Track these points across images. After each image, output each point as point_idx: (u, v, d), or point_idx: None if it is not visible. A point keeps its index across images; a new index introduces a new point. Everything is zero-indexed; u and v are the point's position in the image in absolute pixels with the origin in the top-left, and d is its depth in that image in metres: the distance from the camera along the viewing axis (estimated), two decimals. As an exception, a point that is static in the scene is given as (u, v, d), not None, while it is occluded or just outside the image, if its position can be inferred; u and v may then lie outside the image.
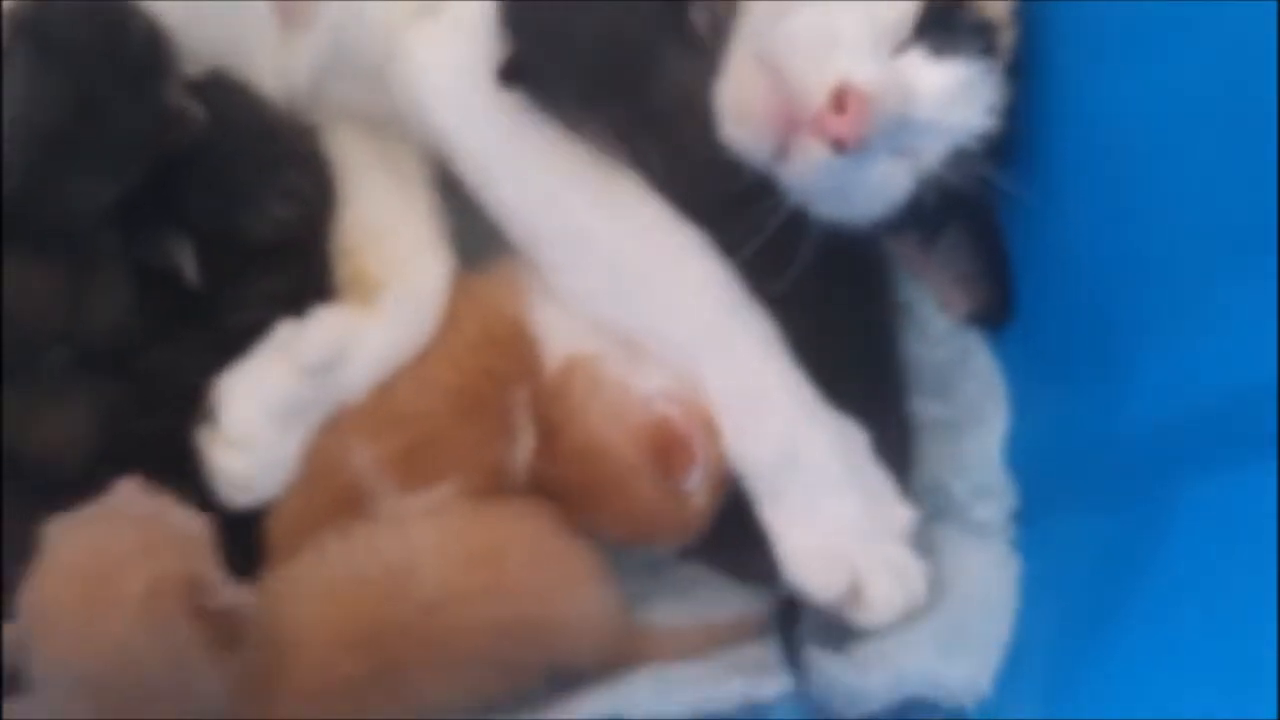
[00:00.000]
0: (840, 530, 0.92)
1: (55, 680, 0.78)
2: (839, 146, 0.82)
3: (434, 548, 0.89)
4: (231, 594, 0.81)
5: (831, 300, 0.95)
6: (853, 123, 0.81)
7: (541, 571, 0.91)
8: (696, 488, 0.92)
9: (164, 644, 0.78)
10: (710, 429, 0.93)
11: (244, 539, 0.91)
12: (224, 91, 0.94)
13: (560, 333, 0.95)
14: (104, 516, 0.82)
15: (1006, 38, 0.91)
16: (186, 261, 0.92)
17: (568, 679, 0.92)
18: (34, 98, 0.86)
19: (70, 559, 0.80)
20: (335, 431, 0.93)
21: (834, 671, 0.91)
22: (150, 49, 0.89)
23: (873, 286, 1.00)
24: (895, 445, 0.97)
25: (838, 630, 0.94)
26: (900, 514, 0.95)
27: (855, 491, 0.94)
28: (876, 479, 0.95)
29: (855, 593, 0.92)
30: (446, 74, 0.92)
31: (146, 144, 0.88)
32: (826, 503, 0.93)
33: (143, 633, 0.77)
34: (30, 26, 0.87)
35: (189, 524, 0.83)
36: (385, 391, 0.94)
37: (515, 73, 0.90)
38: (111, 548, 0.79)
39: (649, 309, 0.94)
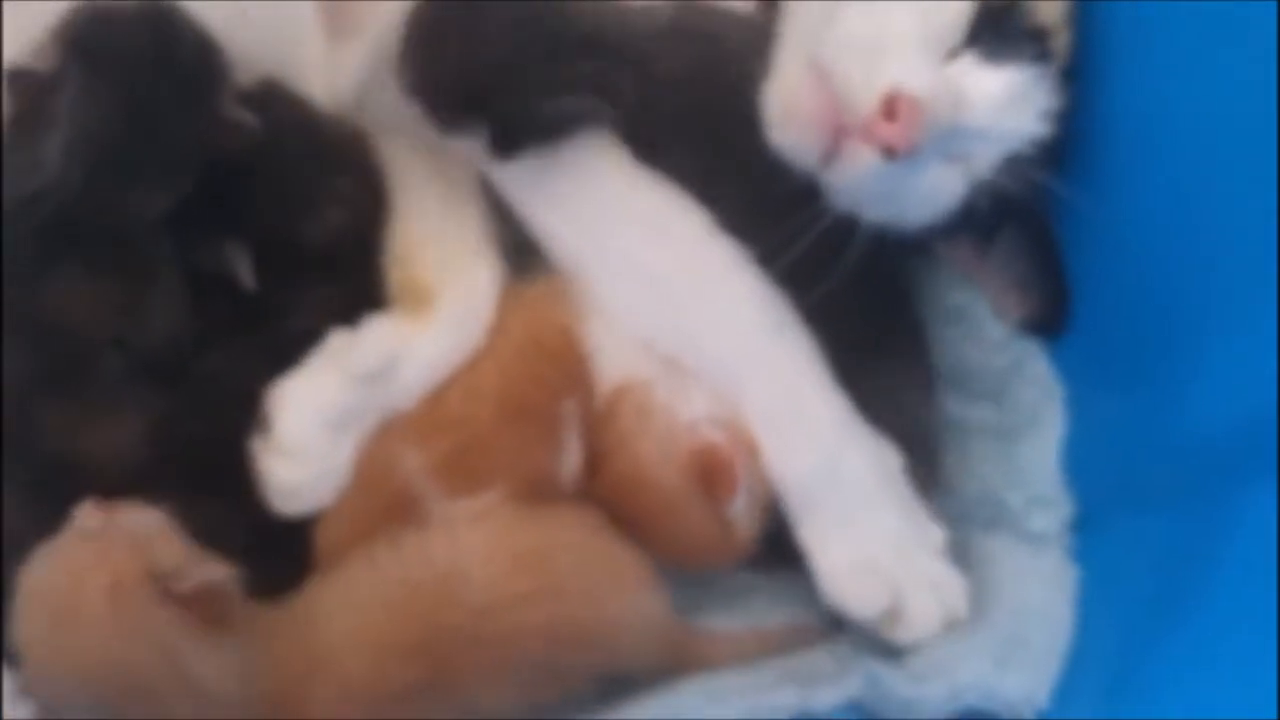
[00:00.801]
0: (879, 547, 0.94)
1: (73, 708, 0.83)
2: (889, 154, 0.84)
3: (482, 552, 0.91)
4: (200, 571, 0.84)
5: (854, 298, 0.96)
6: (903, 130, 0.82)
7: (590, 574, 0.93)
8: (742, 512, 0.94)
9: (144, 638, 0.81)
10: (753, 451, 0.95)
11: (294, 546, 0.93)
12: (276, 100, 0.97)
13: (611, 354, 0.97)
14: (60, 543, 0.85)
15: (1061, 41, 0.92)
16: (243, 267, 0.94)
17: (619, 686, 0.94)
18: (88, 110, 0.89)
19: (34, 590, 0.83)
20: (385, 438, 0.95)
21: (889, 682, 0.92)
22: (202, 59, 0.92)
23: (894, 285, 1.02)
24: (922, 437, 1.00)
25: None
26: (933, 533, 0.96)
27: (893, 508, 0.96)
28: (909, 499, 0.97)
29: (896, 610, 0.94)
30: None
31: (200, 153, 0.91)
32: (865, 520, 0.95)
33: (118, 635, 0.80)
34: (82, 40, 0.90)
35: (141, 520, 0.86)
36: (433, 397, 0.96)
37: (506, 138, 0.92)
38: (68, 567, 0.83)
39: (689, 326, 0.96)
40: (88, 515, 0.86)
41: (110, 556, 0.82)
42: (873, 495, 0.95)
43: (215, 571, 0.84)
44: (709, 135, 0.96)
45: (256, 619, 0.88)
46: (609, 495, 0.96)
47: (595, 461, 0.97)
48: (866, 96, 0.84)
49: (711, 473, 0.93)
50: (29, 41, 0.92)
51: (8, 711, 0.89)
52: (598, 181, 0.95)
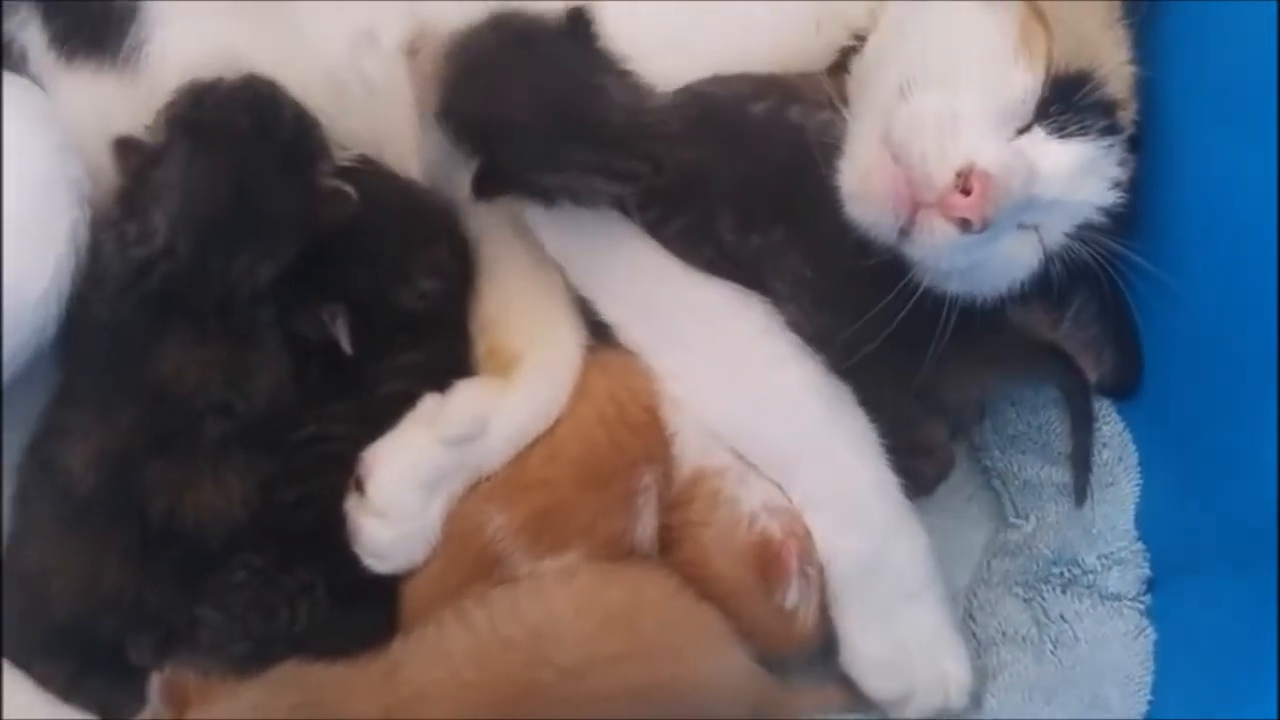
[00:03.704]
0: (908, 647, 1.03)
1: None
2: (965, 227, 0.90)
3: (571, 611, 0.97)
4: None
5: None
6: (978, 204, 0.89)
7: (675, 634, 0.99)
8: (798, 602, 1.01)
9: None
10: (809, 540, 1.02)
11: (384, 603, 1.01)
12: (371, 174, 1.05)
13: (690, 439, 1.05)
14: None
15: (1128, 113, 0.99)
16: (342, 332, 1.01)
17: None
18: (194, 183, 0.97)
19: None
20: (472, 498, 1.02)
21: None
22: (302, 135, 1.01)
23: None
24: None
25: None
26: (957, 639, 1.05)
27: (928, 607, 1.04)
28: (944, 595, 1.06)
29: (906, 698, 1.03)
30: None
31: (301, 224, 0.99)
32: (901, 616, 1.03)
33: None
34: (187, 116, 0.99)
35: None
36: (517, 459, 1.03)
37: (486, 184, 0.98)
38: None
39: (746, 415, 1.04)
40: None
41: None
42: (913, 591, 1.04)
43: (152, 686, 0.95)
44: (776, 214, 1.02)
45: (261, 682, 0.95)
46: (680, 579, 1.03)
47: (663, 545, 1.04)
48: (941, 172, 0.90)
49: (765, 563, 1.01)
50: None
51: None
52: (658, 275, 1.03)
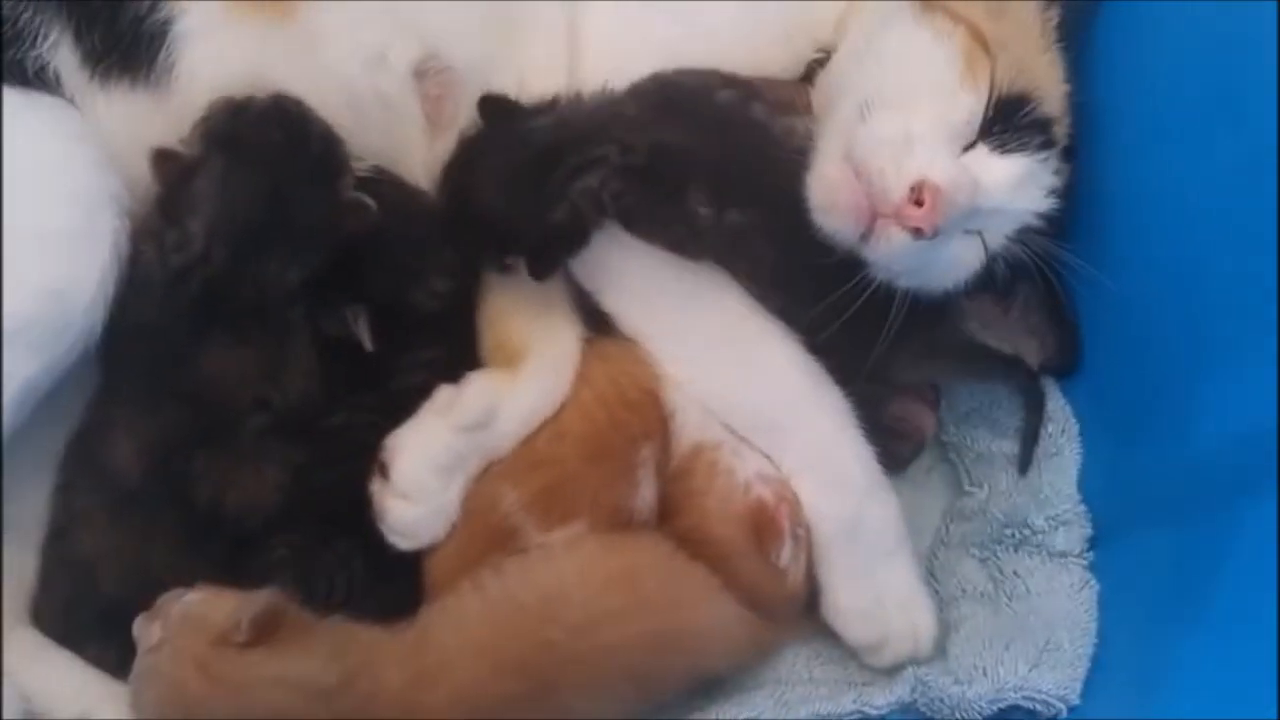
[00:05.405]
0: (883, 599, 1.15)
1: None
2: (918, 234, 1.02)
3: (578, 574, 1.07)
4: (249, 608, 1.02)
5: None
6: (929, 214, 1.01)
7: (672, 589, 1.09)
8: (790, 560, 1.13)
9: (246, 687, 1.02)
10: (798, 504, 1.13)
11: (408, 577, 1.11)
12: (387, 185, 1.14)
13: (689, 416, 1.15)
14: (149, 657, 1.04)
15: (1062, 128, 1.10)
16: (363, 330, 1.10)
17: (700, 690, 1.12)
18: (229, 193, 1.06)
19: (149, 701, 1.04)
20: (486, 478, 1.12)
21: (937, 685, 1.11)
22: (328, 150, 1.10)
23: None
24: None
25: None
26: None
27: (901, 564, 1.16)
28: (913, 554, 1.18)
29: (880, 644, 1.15)
30: None
31: (327, 232, 1.08)
32: (877, 572, 1.15)
33: (226, 699, 1.01)
34: (225, 135, 1.07)
35: (185, 602, 1.04)
36: (527, 440, 1.13)
37: (538, 262, 1.08)
38: (163, 671, 1.04)
39: (738, 391, 1.16)
40: (145, 628, 1.02)
41: (184, 647, 1.00)
42: (888, 550, 1.16)
43: (258, 601, 1.01)
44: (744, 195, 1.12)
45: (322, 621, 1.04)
46: (677, 543, 1.13)
47: (665, 512, 1.15)
48: (897, 187, 1.02)
49: (760, 526, 1.12)
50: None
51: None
52: (652, 270, 1.13)
